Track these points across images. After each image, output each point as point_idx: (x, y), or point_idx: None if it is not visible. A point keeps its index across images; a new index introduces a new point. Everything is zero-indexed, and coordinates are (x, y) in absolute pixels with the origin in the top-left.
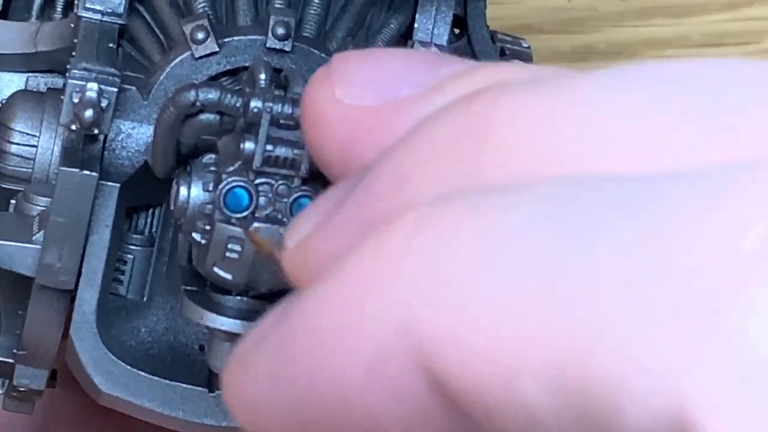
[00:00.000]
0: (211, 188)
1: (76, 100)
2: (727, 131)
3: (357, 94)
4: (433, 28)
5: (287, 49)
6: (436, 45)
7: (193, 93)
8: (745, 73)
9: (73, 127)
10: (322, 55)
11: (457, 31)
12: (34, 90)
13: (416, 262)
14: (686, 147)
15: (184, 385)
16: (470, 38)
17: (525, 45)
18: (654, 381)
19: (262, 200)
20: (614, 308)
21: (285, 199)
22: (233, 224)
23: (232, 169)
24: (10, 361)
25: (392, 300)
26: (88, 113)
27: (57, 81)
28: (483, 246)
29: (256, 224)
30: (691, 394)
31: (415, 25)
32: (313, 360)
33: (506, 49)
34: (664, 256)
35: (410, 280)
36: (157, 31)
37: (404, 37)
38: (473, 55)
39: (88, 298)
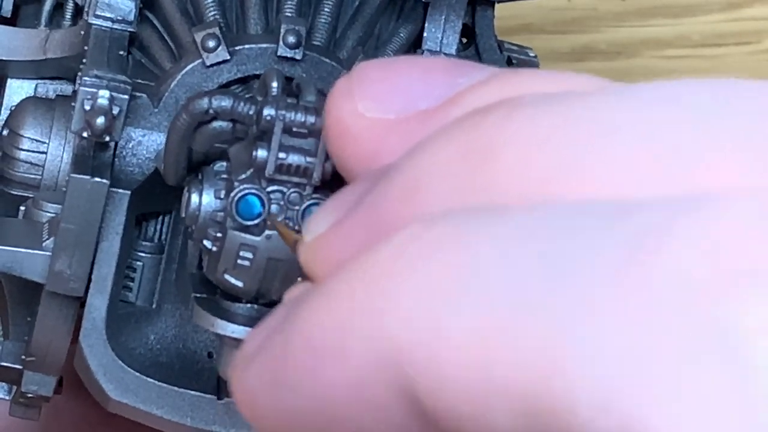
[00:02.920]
0: (222, 196)
1: (87, 108)
2: (732, 154)
3: (379, 107)
4: (442, 37)
5: (298, 57)
6: (444, 54)
7: (206, 101)
8: (750, 96)
9: (85, 135)
10: (333, 63)
11: (465, 40)
12: (43, 97)
13: (397, 286)
14: (687, 172)
15: (192, 393)
16: (478, 47)
17: (532, 54)
18: (614, 421)
19: (274, 208)
20: (578, 346)
21: (297, 207)
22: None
23: (244, 176)
24: (19, 367)
25: (373, 324)
26: (100, 120)
27: (66, 88)
28: (457, 273)
29: (268, 232)
30: (644, 422)
31: (425, 34)
32: (306, 371)
33: (513, 58)
34: (625, 290)
35: (392, 305)
36: (168, 39)
37: (413, 46)
38: None
39: (97, 304)
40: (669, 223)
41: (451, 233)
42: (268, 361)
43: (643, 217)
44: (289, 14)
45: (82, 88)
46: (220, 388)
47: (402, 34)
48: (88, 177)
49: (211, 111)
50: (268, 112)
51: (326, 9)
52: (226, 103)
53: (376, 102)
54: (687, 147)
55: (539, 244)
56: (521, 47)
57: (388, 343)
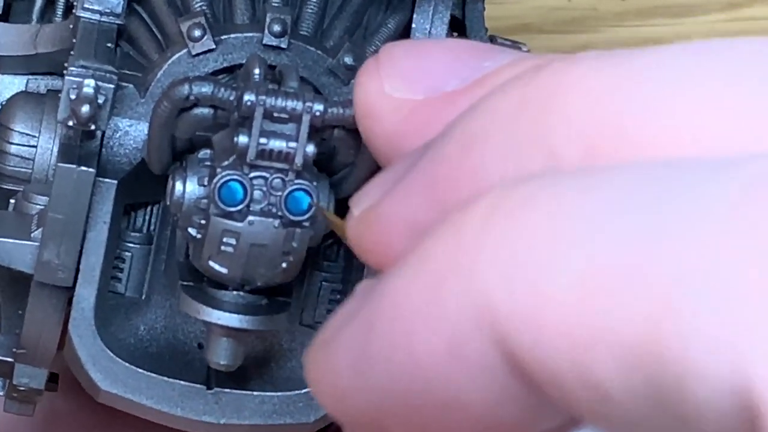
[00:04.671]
0: (206, 183)
1: (73, 96)
2: None
3: (406, 87)
4: (430, 28)
5: (283, 46)
6: None
7: (186, 87)
8: None
9: (71, 123)
10: (319, 52)
11: (456, 34)
12: (34, 92)
13: (492, 247)
14: (758, 128)
15: (182, 383)
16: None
17: (525, 50)
18: (723, 362)
19: (256, 194)
20: (689, 288)
21: (279, 193)
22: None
23: (226, 163)
24: (10, 360)
25: (470, 284)
26: (85, 109)
27: (57, 83)
28: (557, 228)
29: (250, 218)
30: (758, 375)
31: (413, 25)
32: (394, 343)
33: None
34: (740, 235)
35: (486, 265)
36: (155, 30)
37: (402, 37)
38: None
39: (86, 295)
40: None
41: (546, 188)
42: (352, 338)
43: (749, 169)
44: (276, 4)
45: (68, 77)
46: (209, 378)
47: (390, 25)
48: (74, 166)
49: (191, 97)
50: (248, 97)
51: None
52: (206, 89)
53: (403, 82)
54: (757, 104)
55: (640, 195)
56: (514, 42)
57: (485, 301)
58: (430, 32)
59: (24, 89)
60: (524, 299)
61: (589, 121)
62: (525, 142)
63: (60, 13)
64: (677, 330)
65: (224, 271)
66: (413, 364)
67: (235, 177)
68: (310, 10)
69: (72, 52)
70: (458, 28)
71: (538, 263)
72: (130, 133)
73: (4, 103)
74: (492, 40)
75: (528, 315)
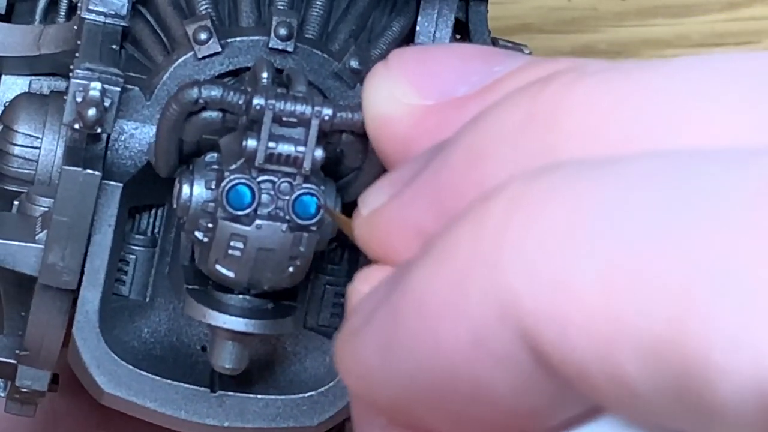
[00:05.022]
0: (213, 186)
1: (79, 99)
2: None
3: (416, 93)
4: (434, 31)
5: (289, 49)
6: None
7: (195, 90)
8: None
9: (76, 126)
10: (324, 56)
11: (458, 36)
12: (38, 93)
13: (515, 241)
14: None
15: (186, 386)
16: (471, 43)
17: (526, 52)
18: (745, 361)
19: (264, 198)
20: (711, 284)
21: (287, 197)
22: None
23: (234, 166)
24: (13, 361)
25: (494, 279)
26: (91, 112)
27: (60, 84)
28: (578, 223)
29: (258, 222)
30: None
31: (417, 28)
32: (420, 334)
33: None
34: (757, 238)
35: (510, 259)
36: (160, 33)
37: (406, 40)
38: None
39: (90, 297)
40: None
41: (566, 181)
42: (380, 328)
43: (766, 159)
44: (281, 7)
45: (73, 80)
46: (213, 381)
47: (395, 28)
48: (80, 169)
49: (200, 101)
50: (257, 101)
51: (319, 2)
52: (215, 92)
53: (413, 88)
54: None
55: (660, 188)
56: (516, 44)
57: (509, 295)
58: (434, 35)
59: (27, 90)
60: (548, 295)
61: (594, 137)
62: (531, 157)
63: (63, 13)
64: (699, 329)
65: (231, 274)
66: (438, 356)
67: (243, 181)
68: (316, 13)
69: (77, 54)
70: (461, 30)
71: (561, 259)
72: (136, 135)
73: (7, 104)
74: (494, 42)
75: (552, 310)
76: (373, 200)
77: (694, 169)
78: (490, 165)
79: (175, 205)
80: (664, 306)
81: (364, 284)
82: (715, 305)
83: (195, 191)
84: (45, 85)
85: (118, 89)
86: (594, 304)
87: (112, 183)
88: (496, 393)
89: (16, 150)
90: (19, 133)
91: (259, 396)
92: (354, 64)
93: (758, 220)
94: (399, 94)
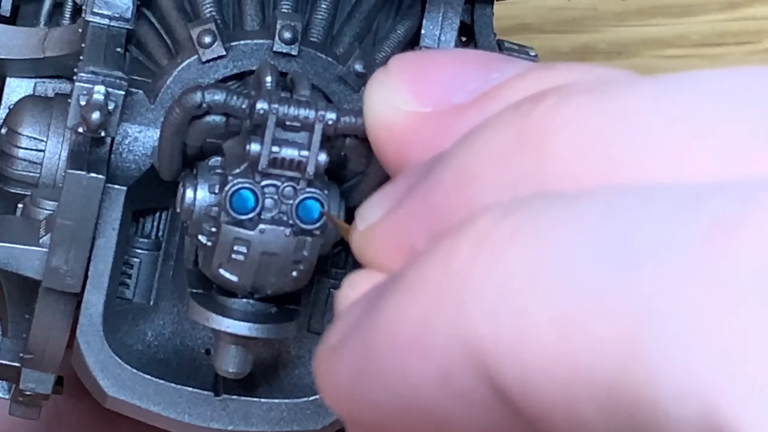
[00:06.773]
0: (217, 190)
1: (83, 103)
2: None
3: (414, 100)
4: (440, 34)
5: (294, 53)
6: None
7: (199, 94)
8: None
9: (80, 130)
10: (329, 59)
11: (464, 39)
12: (42, 95)
13: (478, 280)
14: (737, 158)
15: (190, 389)
16: (477, 46)
17: (532, 54)
18: (691, 406)
19: (268, 202)
20: (657, 329)
21: (291, 201)
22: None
23: (238, 171)
24: (17, 365)
25: (458, 318)
26: (95, 116)
27: (65, 86)
28: (538, 264)
29: (261, 226)
30: (725, 418)
31: (422, 31)
32: (390, 364)
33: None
34: (706, 277)
35: (473, 299)
36: (165, 36)
37: (411, 43)
38: None
39: (94, 301)
40: (744, 208)
41: (528, 222)
42: (352, 353)
43: (717, 202)
44: (286, 10)
45: (77, 83)
46: (217, 384)
47: (400, 31)
48: (83, 172)
49: (204, 105)
50: (261, 105)
51: (323, 5)
52: (219, 96)
53: (412, 95)
54: (744, 134)
55: (615, 230)
56: (522, 46)
57: (472, 336)
58: (439, 38)
59: (32, 92)
60: (508, 336)
61: (580, 161)
62: (519, 180)
63: (68, 16)
64: (646, 375)
65: (234, 279)
66: (407, 387)
67: (246, 185)
68: (320, 17)
69: (81, 57)
70: (467, 33)
71: (520, 301)
72: (140, 139)
73: (11, 106)
74: (500, 44)
75: (512, 353)
76: (368, 215)
77: (649, 206)
78: (479, 186)
79: (178, 209)
80: (614, 351)
81: (351, 290)
82: (660, 351)
83: (198, 195)
84: (50, 87)
85: (122, 92)
86: (551, 348)
87: (116, 186)
88: (463, 425)
89: (21, 153)
90: (24, 135)
91: (263, 400)
92: (358, 67)
93: (702, 261)
94: (398, 101)
